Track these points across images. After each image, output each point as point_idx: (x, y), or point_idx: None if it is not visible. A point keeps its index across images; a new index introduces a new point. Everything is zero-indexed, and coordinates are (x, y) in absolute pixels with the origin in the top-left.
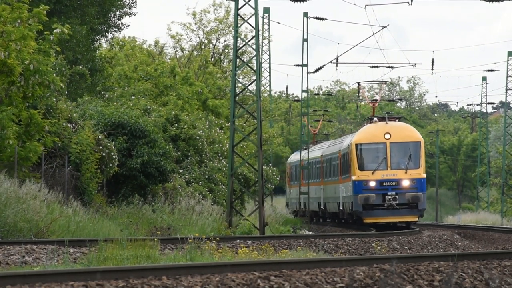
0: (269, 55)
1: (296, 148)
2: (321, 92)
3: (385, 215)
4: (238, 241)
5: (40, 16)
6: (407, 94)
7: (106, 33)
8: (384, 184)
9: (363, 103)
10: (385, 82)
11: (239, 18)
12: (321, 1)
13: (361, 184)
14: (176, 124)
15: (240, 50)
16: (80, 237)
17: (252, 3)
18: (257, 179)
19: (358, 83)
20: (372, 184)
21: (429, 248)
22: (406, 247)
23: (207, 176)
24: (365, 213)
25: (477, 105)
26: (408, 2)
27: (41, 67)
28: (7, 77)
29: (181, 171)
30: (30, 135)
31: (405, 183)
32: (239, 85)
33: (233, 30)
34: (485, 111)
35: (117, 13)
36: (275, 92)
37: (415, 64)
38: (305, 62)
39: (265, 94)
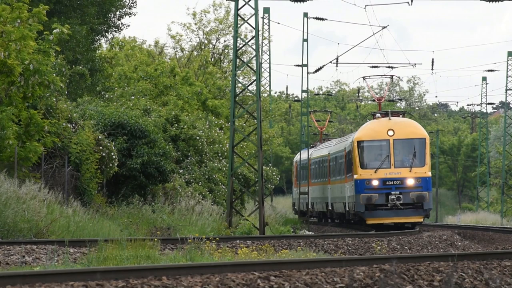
0: (269, 55)
1: (296, 148)
2: (321, 92)
3: (389, 215)
4: (238, 241)
5: (40, 16)
6: (407, 94)
7: (106, 33)
8: (387, 183)
9: (363, 103)
10: (391, 76)
11: (239, 18)
12: (321, 1)
13: (363, 183)
14: (176, 124)
15: (240, 50)
16: (80, 237)
17: (252, 3)
18: (257, 179)
19: (363, 77)
20: (375, 183)
21: (429, 248)
22: (406, 247)
23: (207, 176)
24: (367, 214)
25: (477, 105)
26: (408, 2)
27: (41, 67)
28: (7, 77)
29: (181, 171)
30: (30, 135)
31: (410, 182)
32: (239, 85)
33: (233, 30)
34: (485, 111)
35: (117, 13)
36: (275, 92)
37: (415, 64)
38: (305, 62)
39: (265, 94)
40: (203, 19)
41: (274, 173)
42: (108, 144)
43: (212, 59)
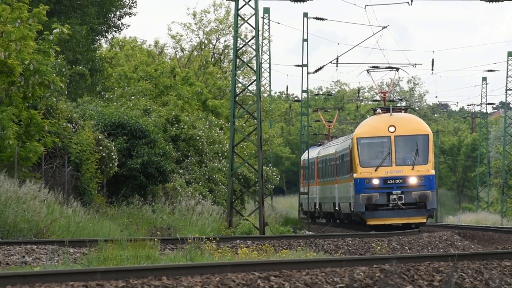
0: (269, 55)
1: (296, 148)
2: (321, 92)
3: (390, 216)
4: (238, 241)
5: (40, 16)
6: (407, 94)
7: (106, 33)
8: (388, 182)
9: (363, 103)
10: (397, 69)
11: (239, 18)
12: (321, 1)
13: (363, 182)
14: (176, 125)
15: (240, 50)
16: (80, 237)
17: (252, 3)
18: (257, 179)
19: (367, 70)
20: (375, 182)
21: (429, 248)
22: (406, 247)
23: (207, 176)
24: (368, 214)
25: (477, 105)
26: (408, 2)
27: (41, 67)
28: (7, 77)
29: (181, 171)
30: (30, 135)
31: (412, 180)
32: (239, 85)
33: (233, 30)
34: (485, 111)
35: (117, 13)
36: (275, 92)
37: (415, 64)
38: (305, 63)
39: (265, 95)
40: (203, 19)
41: (274, 173)
42: (108, 144)
43: (212, 59)
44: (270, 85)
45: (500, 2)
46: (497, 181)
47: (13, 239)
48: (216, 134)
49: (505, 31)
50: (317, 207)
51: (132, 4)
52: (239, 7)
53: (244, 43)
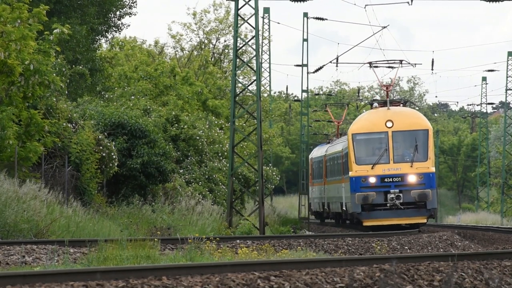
0: (269, 55)
1: (296, 148)
2: (321, 92)
3: (388, 216)
4: (238, 241)
5: (40, 16)
6: (407, 94)
7: (106, 33)
8: (386, 180)
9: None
10: (401, 61)
11: (239, 18)
12: (321, 1)
13: (359, 181)
14: (176, 124)
15: (240, 50)
16: (80, 237)
17: (252, 3)
18: (257, 179)
19: (370, 63)
20: (372, 180)
21: (429, 248)
22: (406, 247)
23: (207, 176)
24: (364, 215)
25: (477, 105)
26: (408, 2)
27: (41, 67)
28: (7, 77)
29: (181, 171)
30: (30, 135)
31: (411, 178)
32: (239, 85)
33: (233, 30)
34: (485, 111)
35: (117, 13)
36: (275, 92)
37: (415, 64)
38: (305, 62)
39: (265, 94)
40: (203, 19)
41: (274, 173)
42: (108, 144)
43: (212, 59)
44: (270, 85)
45: (500, 2)
46: (497, 181)
47: (13, 239)
48: (216, 134)
49: (505, 31)
50: (325, 207)
51: (132, 4)
52: (239, 7)
53: (244, 43)
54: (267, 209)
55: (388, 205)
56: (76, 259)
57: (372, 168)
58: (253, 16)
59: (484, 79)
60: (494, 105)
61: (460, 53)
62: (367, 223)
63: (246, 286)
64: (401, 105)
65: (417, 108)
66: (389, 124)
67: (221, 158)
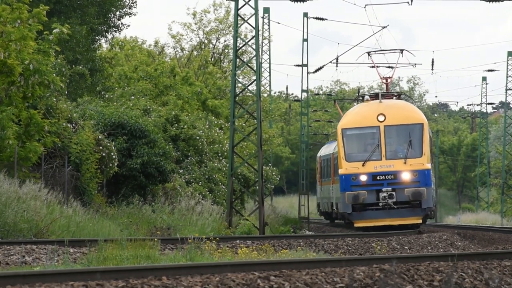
0: (269, 55)
1: (296, 148)
2: (321, 92)
3: (380, 216)
4: (238, 241)
5: (40, 16)
6: (407, 94)
7: (106, 33)
8: (378, 178)
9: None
10: (401, 51)
11: (239, 18)
12: (322, 1)
13: (349, 179)
14: (176, 124)
15: (240, 50)
16: (80, 237)
17: (252, 3)
18: (257, 179)
19: (368, 52)
20: (363, 178)
21: (429, 248)
22: (406, 247)
23: (207, 176)
24: (355, 215)
25: (477, 105)
26: (408, 2)
27: (41, 67)
28: (7, 77)
29: (181, 171)
30: (30, 135)
31: (405, 176)
32: (239, 85)
33: (233, 30)
34: (485, 111)
35: (117, 13)
36: (275, 92)
37: (415, 64)
38: (305, 62)
39: (265, 94)
40: (203, 19)
41: (274, 173)
42: (108, 144)
43: (212, 59)
44: (270, 85)
45: (500, 2)
46: (497, 181)
47: (13, 239)
48: (216, 134)
49: (505, 31)
50: (334, 207)
51: (132, 4)
52: (239, 7)
53: (244, 43)
54: (267, 209)
55: (380, 204)
56: (76, 259)
57: (363, 165)
58: (253, 16)
59: (484, 79)
60: (494, 105)
61: (460, 53)
62: (358, 224)
63: (246, 286)
64: (394, 97)
65: (412, 101)
66: (381, 118)
67: (221, 158)
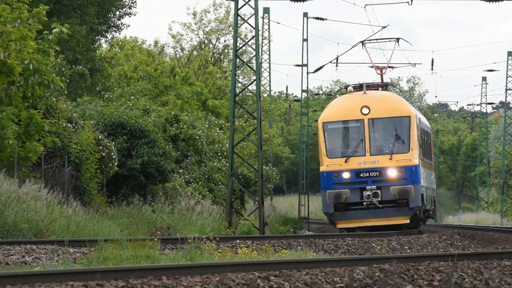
0: (269, 55)
1: (296, 148)
2: (321, 92)
3: (364, 217)
4: (238, 241)
5: (40, 16)
6: (407, 94)
7: (106, 33)
8: (361, 175)
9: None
10: (397, 39)
11: (239, 18)
12: (322, 1)
13: (331, 177)
14: (176, 124)
15: (240, 50)
16: (80, 237)
17: (252, 3)
18: (257, 179)
19: (362, 42)
20: (346, 175)
21: (429, 248)
22: (406, 247)
23: (207, 176)
24: (337, 216)
25: (477, 105)
26: (408, 2)
27: (41, 67)
28: (7, 77)
29: (181, 171)
30: (30, 135)
31: (391, 172)
32: (239, 85)
33: (233, 30)
34: (485, 111)
35: (117, 13)
36: (275, 92)
37: (415, 64)
38: (305, 62)
39: (265, 94)
40: (204, 19)
41: (274, 173)
42: (108, 144)
43: (212, 59)
44: (270, 85)
45: (500, 2)
46: (497, 181)
47: (13, 239)
48: (215, 134)
49: (505, 31)
50: None
51: (132, 4)
52: (239, 7)
53: (244, 43)
54: (267, 209)
55: (364, 203)
56: (76, 259)
57: (345, 161)
58: (253, 16)
59: (484, 79)
60: (494, 105)
61: (460, 53)
62: (341, 225)
63: (246, 286)
64: (380, 88)
65: (401, 93)
66: (365, 110)
67: (221, 158)
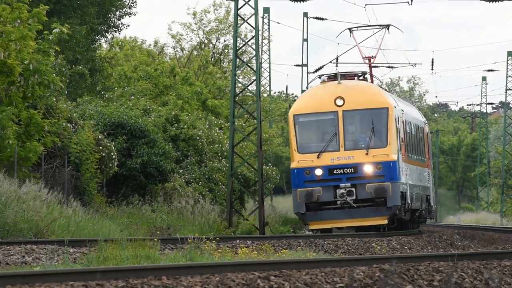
0: (269, 55)
1: None
2: None
3: (338, 217)
4: (238, 241)
5: (40, 16)
6: (407, 94)
7: (106, 33)
8: (335, 172)
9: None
10: (388, 26)
11: (239, 18)
12: (322, 1)
13: (302, 174)
14: (176, 124)
15: (240, 50)
16: (80, 237)
17: (252, 3)
18: (257, 179)
19: (349, 29)
20: (318, 172)
21: (429, 248)
22: (406, 247)
23: (207, 176)
24: (309, 216)
25: (477, 105)
26: (408, 2)
27: (41, 67)
28: (7, 77)
29: (181, 171)
30: (30, 135)
31: (367, 169)
32: (239, 85)
33: (233, 30)
34: (485, 111)
35: (117, 13)
36: (275, 92)
37: (415, 64)
38: (305, 62)
39: (265, 94)
40: (203, 19)
41: (274, 173)
42: (108, 144)
43: (212, 59)
44: (270, 85)
45: (500, 2)
46: (497, 181)
47: (13, 239)
48: (215, 134)
49: (505, 31)
50: None
51: (132, 4)
52: (239, 7)
53: (244, 43)
54: (267, 209)
55: (338, 203)
56: (76, 259)
57: (318, 157)
58: (253, 16)
59: (484, 79)
60: (494, 105)
61: (460, 53)
62: (313, 226)
63: (246, 286)
64: (356, 78)
65: (381, 84)
66: (339, 102)
67: (221, 158)
